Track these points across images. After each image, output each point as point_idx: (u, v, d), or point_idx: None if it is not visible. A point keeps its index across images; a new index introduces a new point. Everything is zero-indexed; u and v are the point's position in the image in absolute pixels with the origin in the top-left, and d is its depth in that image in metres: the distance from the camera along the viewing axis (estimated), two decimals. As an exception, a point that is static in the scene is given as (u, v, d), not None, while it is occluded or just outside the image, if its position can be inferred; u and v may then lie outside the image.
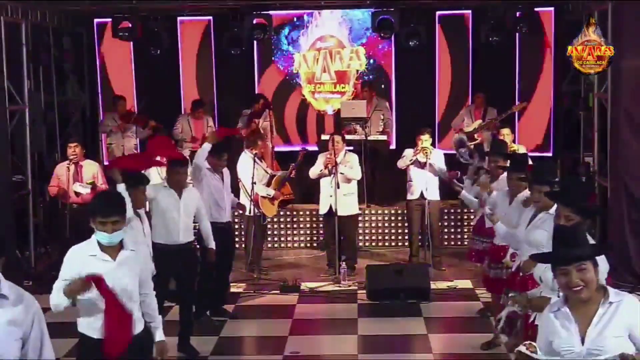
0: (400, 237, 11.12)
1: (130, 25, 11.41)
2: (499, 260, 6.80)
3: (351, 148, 10.33)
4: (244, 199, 9.34)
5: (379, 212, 11.26)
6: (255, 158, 9.35)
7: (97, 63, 12.58)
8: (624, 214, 9.13)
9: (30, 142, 10.36)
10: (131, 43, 12.20)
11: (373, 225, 11.24)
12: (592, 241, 3.89)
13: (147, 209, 7.01)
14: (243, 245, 9.97)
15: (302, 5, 12.39)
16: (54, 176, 9.67)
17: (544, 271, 4.95)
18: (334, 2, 12.28)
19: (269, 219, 9.94)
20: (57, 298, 4.46)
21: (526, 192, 6.54)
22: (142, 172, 6.75)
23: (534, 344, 3.59)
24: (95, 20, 12.46)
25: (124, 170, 6.31)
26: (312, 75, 12.61)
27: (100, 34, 12.48)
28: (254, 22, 11.59)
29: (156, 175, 9.17)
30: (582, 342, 3.51)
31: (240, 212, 9.47)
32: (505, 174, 7.20)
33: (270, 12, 11.85)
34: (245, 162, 9.38)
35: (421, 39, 11.65)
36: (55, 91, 11.78)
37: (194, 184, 8.22)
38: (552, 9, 11.95)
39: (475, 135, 11.38)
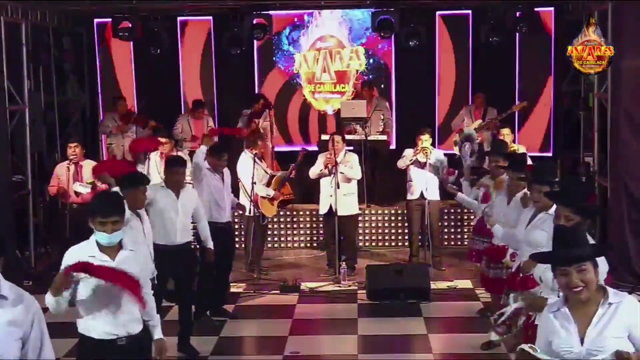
0: (400, 237, 11.13)
1: (130, 25, 11.42)
2: (499, 260, 6.80)
3: (351, 148, 10.34)
4: (244, 199, 9.33)
5: (379, 212, 11.26)
6: (255, 158, 9.35)
7: (97, 63, 12.59)
8: (624, 214, 9.13)
9: (30, 142, 10.36)
10: (131, 43, 12.21)
11: (373, 225, 11.24)
12: (592, 241, 3.89)
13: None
14: (243, 245, 9.97)
15: (302, 5, 12.39)
16: (54, 176, 9.67)
17: (543, 271, 4.95)
18: (334, 2, 12.28)
19: (268, 219, 9.93)
20: (49, 298, 4.46)
21: (524, 192, 6.55)
22: (142, 172, 6.74)
23: (534, 346, 3.59)
24: (95, 20, 12.47)
25: (111, 174, 6.29)
26: (312, 75, 12.62)
27: (100, 34, 12.49)
28: (254, 22, 11.60)
29: (156, 175, 9.18)
30: (582, 342, 3.51)
31: (240, 212, 9.47)
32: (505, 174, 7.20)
33: (270, 12, 11.86)
34: (245, 162, 9.38)
35: (421, 39, 11.66)
36: (55, 91, 11.78)
37: (194, 184, 8.23)
38: (552, 9, 11.96)
39: (475, 135, 11.38)
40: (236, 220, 10.20)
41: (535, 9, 11.40)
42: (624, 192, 9.16)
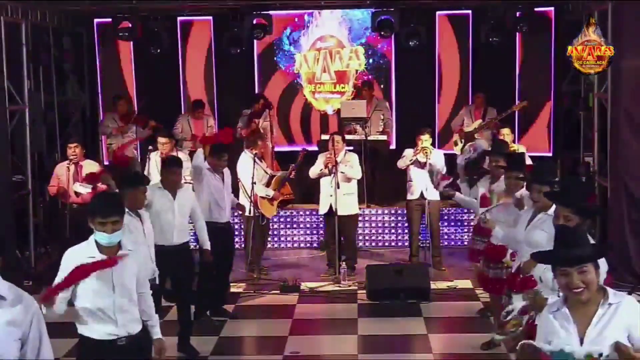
0: (400, 237, 11.13)
1: (130, 25, 11.42)
2: (499, 260, 6.80)
3: (351, 148, 10.34)
4: (244, 199, 9.33)
5: (379, 212, 11.26)
6: (255, 158, 9.35)
7: (97, 63, 12.59)
8: (624, 214, 9.13)
9: (30, 142, 10.36)
10: (131, 43, 12.21)
11: (373, 225, 11.24)
12: (592, 241, 3.89)
13: None
14: (243, 245, 9.97)
15: (302, 5, 12.40)
16: (54, 176, 9.67)
17: (543, 271, 4.95)
18: (334, 2, 12.28)
19: (268, 219, 9.92)
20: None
21: (522, 191, 6.55)
22: (142, 172, 6.74)
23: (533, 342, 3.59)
24: (95, 20, 12.47)
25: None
26: (313, 75, 12.63)
27: (101, 34, 12.50)
28: (254, 22, 11.61)
29: (156, 175, 9.17)
30: (581, 342, 3.51)
31: (240, 212, 9.47)
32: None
33: (270, 12, 11.86)
34: (245, 162, 9.37)
35: (421, 39, 11.66)
36: (55, 91, 11.78)
37: (195, 184, 8.23)
38: (552, 9, 11.96)
39: (476, 135, 11.39)
40: (236, 220, 10.20)
41: (535, 9, 11.40)
42: (624, 192, 9.16)
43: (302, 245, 11.32)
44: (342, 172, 9.43)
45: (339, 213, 9.42)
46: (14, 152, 10.16)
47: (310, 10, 12.46)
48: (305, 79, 12.64)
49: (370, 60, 12.56)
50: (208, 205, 8.05)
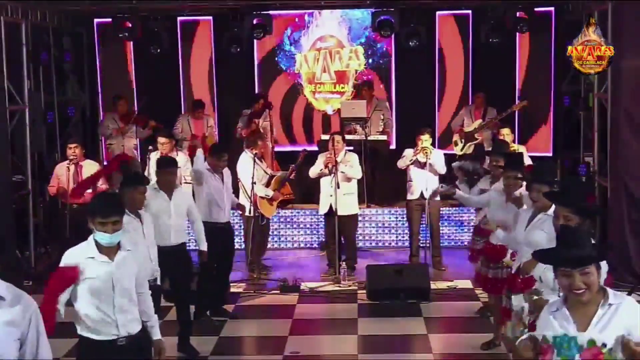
0: (400, 237, 11.12)
1: (130, 25, 11.42)
2: (498, 260, 6.80)
3: (351, 148, 10.34)
4: (244, 199, 9.33)
5: (379, 212, 11.26)
6: (255, 158, 9.35)
7: (97, 63, 12.59)
8: (624, 214, 9.13)
9: (30, 142, 10.36)
10: (131, 43, 12.21)
11: (373, 225, 11.23)
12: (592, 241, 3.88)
13: None
14: (243, 246, 9.97)
15: (302, 5, 12.40)
16: (54, 176, 9.67)
17: (543, 271, 4.95)
18: (334, 2, 12.27)
19: (267, 219, 9.91)
20: None
21: (521, 190, 6.55)
22: (141, 172, 6.74)
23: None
24: (95, 20, 12.47)
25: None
26: (313, 75, 12.63)
27: (100, 34, 12.50)
28: (254, 22, 11.61)
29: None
30: (581, 342, 3.51)
31: (240, 212, 9.47)
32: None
33: (270, 12, 11.87)
34: (245, 162, 9.38)
35: (421, 39, 11.66)
36: (55, 91, 11.78)
37: (194, 186, 8.23)
38: (552, 9, 11.96)
39: (476, 135, 11.39)
40: (236, 220, 10.20)
41: (535, 9, 11.40)
42: (624, 192, 9.16)
43: (302, 245, 11.31)
44: (342, 172, 9.43)
45: (339, 213, 9.42)
46: (14, 152, 10.16)
47: (310, 10, 12.46)
48: (306, 79, 12.64)
49: (370, 60, 12.56)
50: (208, 206, 8.05)
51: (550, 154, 12.13)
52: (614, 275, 5.87)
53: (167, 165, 7.24)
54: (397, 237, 11.20)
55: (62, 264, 4.56)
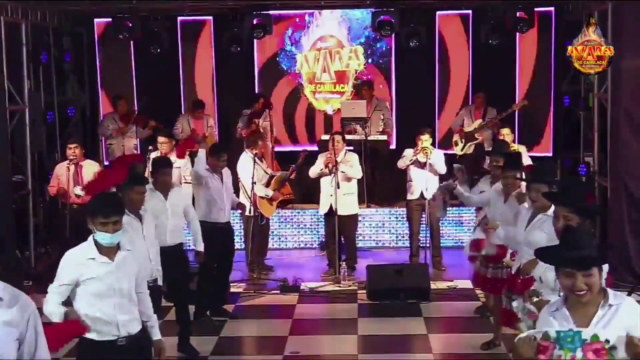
0: (400, 237, 11.12)
1: (130, 25, 11.42)
2: (498, 260, 6.79)
3: (351, 148, 10.34)
4: (244, 199, 9.33)
5: (379, 212, 11.25)
6: (255, 158, 9.35)
7: (97, 63, 12.59)
8: (624, 214, 9.13)
9: (30, 142, 10.36)
10: (131, 43, 12.21)
11: (373, 225, 11.23)
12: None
13: None
14: (243, 245, 9.97)
15: (302, 5, 12.40)
16: (54, 176, 9.67)
17: (544, 271, 4.95)
18: (334, 2, 12.28)
19: (267, 219, 9.91)
20: (52, 306, 4.51)
21: (520, 190, 6.56)
22: (143, 172, 6.73)
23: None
24: (95, 20, 12.47)
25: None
26: (313, 75, 12.63)
27: (100, 34, 12.50)
28: (254, 22, 11.61)
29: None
30: (581, 343, 3.50)
31: (240, 212, 9.47)
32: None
33: (270, 12, 11.87)
34: (245, 162, 9.38)
35: (421, 39, 11.66)
36: (55, 91, 11.78)
37: (194, 187, 8.23)
38: (552, 9, 11.96)
39: (476, 135, 11.39)
40: (236, 220, 10.20)
41: (536, 9, 11.40)
42: (624, 192, 9.16)
43: (302, 245, 11.31)
44: (342, 172, 9.44)
45: (339, 213, 9.42)
46: (14, 152, 10.16)
47: (310, 11, 12.46)
48: (306, 79, 12.64)
49: (370, 60, 12.56)
50: (207, 206, 8.05)
51: (550, 154, 12.14)
52: (614, 275, 5.88)
53: (162, 166, 7.21)
54: (397, 237, 11.20)
55: (62, 266, 4.56)
